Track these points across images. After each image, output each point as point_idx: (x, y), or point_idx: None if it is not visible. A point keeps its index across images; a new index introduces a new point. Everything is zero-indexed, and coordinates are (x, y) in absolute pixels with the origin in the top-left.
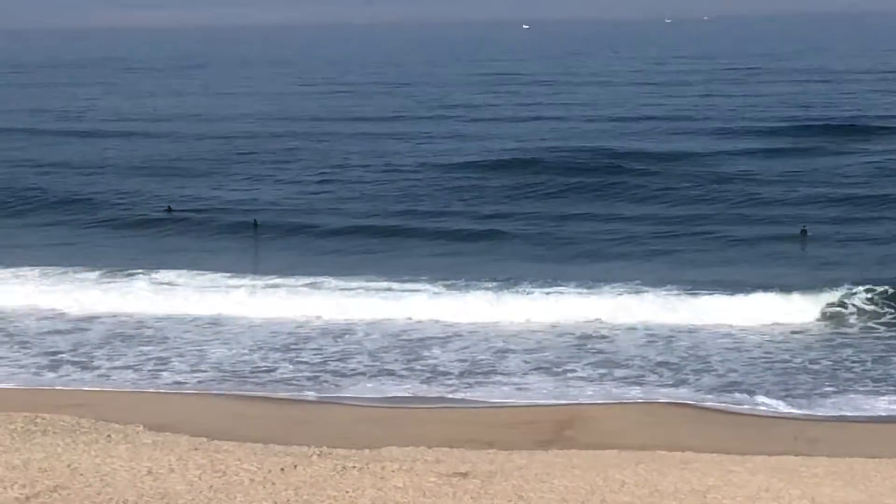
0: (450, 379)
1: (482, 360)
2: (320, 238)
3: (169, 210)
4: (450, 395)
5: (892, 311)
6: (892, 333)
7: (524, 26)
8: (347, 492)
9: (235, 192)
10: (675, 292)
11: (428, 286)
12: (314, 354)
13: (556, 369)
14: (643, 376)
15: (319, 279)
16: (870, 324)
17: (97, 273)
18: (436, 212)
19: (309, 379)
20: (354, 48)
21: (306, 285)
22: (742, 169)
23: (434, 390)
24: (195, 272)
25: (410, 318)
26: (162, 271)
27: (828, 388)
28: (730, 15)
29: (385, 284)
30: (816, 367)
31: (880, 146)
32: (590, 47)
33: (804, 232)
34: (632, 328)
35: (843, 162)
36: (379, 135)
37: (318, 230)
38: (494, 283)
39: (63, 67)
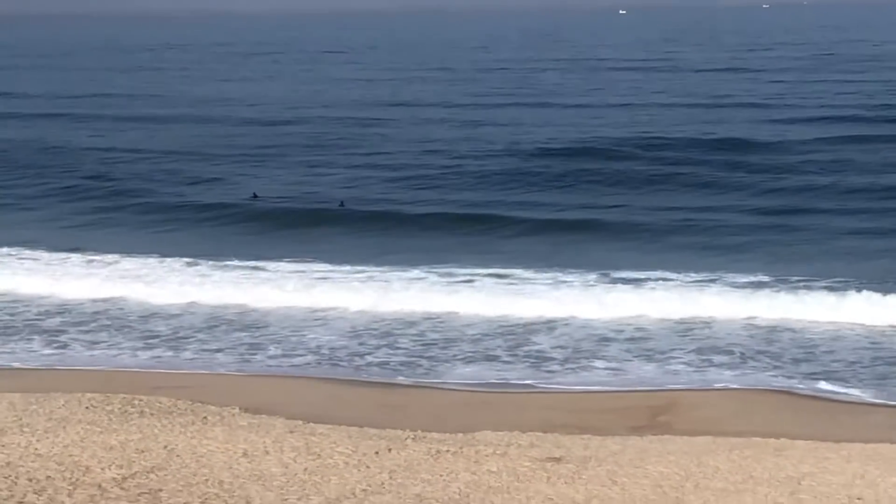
0: (553, 364)
1: (584, 347)
2: (408, 225)
3: (255, 197)
4: (544, 381)
5: None
6: None
7: (621, 11)
8: (441, 475)
9: (321, 177)
10: (771, 282)
11: (520, 271)
12: (413, 341)
13: (657, 356)
14: (742, 364)
15: (409, 268)
16: None
17: (186, 260)
18: (526, 200)
19: (403, 364)
20: (448, 34)
21: (395, 271)
22: (837, 157)
23: (532, 375)
24: (285, 260)
25: (512, 306)
26: (250, 260)
27: None
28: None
29: (480, 271)
30: None
31: None
32: (685, 33)
33: None
34: (731, 318)
35: None
36: (471, 121)
37: (405, 216)
38: (591, 271)
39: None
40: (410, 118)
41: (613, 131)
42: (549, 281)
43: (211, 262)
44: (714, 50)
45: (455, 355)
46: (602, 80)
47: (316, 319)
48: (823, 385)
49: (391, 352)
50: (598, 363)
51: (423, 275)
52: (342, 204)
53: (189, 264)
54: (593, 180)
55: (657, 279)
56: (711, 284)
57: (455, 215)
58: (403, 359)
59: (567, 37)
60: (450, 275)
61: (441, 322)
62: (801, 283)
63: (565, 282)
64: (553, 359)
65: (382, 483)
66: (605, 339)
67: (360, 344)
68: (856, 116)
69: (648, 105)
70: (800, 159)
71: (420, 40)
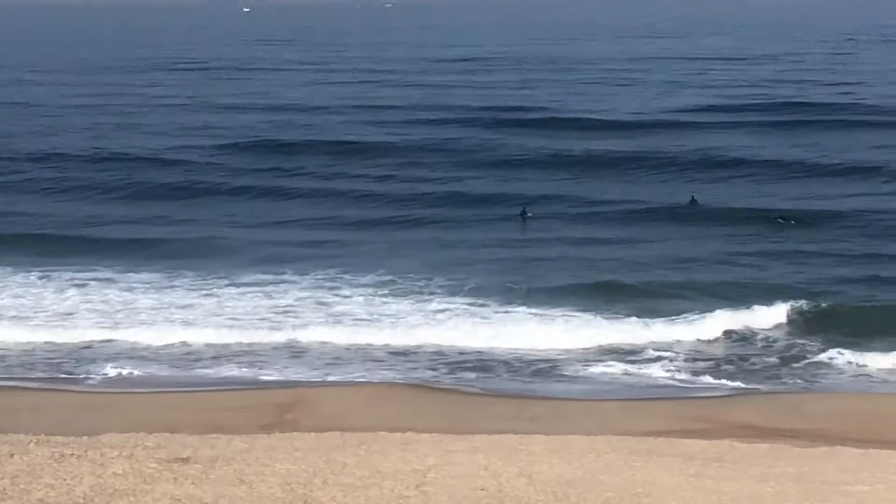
0: (181, 364)
1: (213, 346)
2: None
3: None
4: (170, 380)
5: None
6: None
7: (245, 9)
8: (65, 479)
9: None
10: (391, 283)
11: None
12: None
13: (284, 353)
14: (371, 359)
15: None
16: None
17: None
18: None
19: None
20: (72, 27)
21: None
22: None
23: (159, 375)
24: None
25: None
26: None
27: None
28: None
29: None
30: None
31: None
32: (296, 32)
33: (524, 213)
34: (358, 314)
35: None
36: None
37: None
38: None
39: None
40: None
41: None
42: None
43: None
44: (308, 50)
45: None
46: (182, 81)
47: None
48: (447, 379)
49: (20, 354)
50: (229, 362)
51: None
52: None
53: None
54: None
55: (280, 282)
56: (338, 286)
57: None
58: (28, 360)
59: (172, 36)
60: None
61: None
62: (414, 286)
63: (178, 286)
64: (194, 358)
65: (4, 489)
66: (235, 340)
67: None
68: (439, 119)
69: (230, 108)
70: (403, 160)
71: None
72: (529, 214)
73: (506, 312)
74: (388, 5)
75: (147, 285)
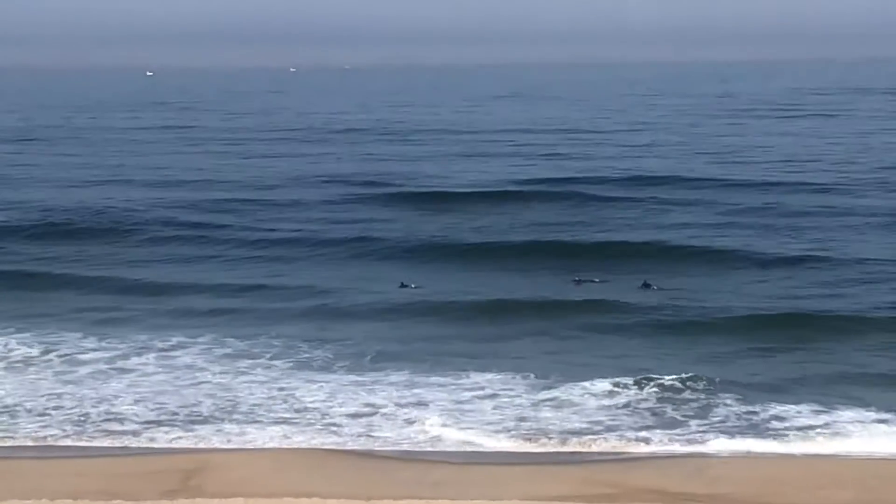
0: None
1: (106, 410)
2: None
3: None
4: (73, 447)
5: None
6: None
7: (148, 73)
8: None
9: None
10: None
11: None
12: None
13: (186, 418)
14: (272, 423)
15: None
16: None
17: None
18: None
19: None
20: None
21: None
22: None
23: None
24: None
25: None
26: None
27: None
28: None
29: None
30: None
31: None
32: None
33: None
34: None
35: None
36: None
37: None
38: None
39: None
40: None
41: None
42: None
43: None
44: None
45: None
46: None
47: None
48: (352, 443)
49: None
50: (124, 426)
51: None
52: None
53: None
54: None
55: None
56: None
57: None
58: None
59: None
60: None
61: None
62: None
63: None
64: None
65: None
66: (132, 401)
67: None
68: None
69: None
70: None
71: None
72: (413, 286)
73: None
74: (148, 73)
75: None
